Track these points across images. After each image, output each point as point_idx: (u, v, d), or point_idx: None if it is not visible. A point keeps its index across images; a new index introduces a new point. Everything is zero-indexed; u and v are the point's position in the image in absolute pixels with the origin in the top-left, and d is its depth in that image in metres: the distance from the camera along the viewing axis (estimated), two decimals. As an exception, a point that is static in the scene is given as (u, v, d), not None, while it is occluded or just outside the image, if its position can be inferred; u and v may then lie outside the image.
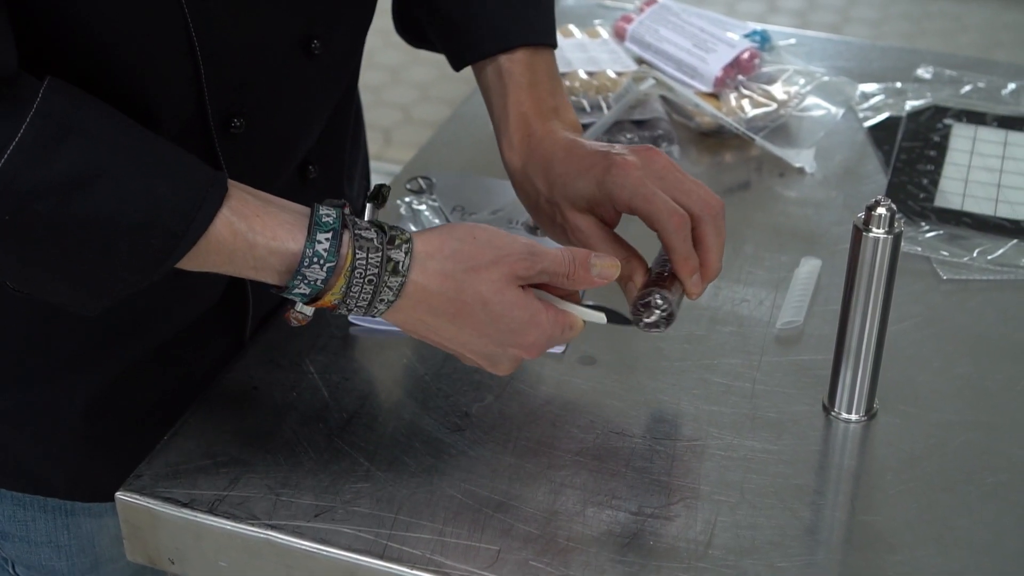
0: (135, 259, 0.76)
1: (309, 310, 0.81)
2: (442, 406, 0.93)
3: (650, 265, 0.90)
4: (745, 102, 1.27)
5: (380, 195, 0.97)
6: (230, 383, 0.94)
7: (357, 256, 0.79)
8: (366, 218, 0.88)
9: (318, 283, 0.78)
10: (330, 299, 0.79)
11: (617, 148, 0.91)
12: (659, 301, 0.87)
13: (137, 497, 0.85)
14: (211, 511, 0.84)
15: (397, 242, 0.80)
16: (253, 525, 0.83)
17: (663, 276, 0.89)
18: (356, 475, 0.87)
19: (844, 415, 0.93)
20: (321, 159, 1.02)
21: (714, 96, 1.29)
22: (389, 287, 0.80)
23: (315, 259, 0.78)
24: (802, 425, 0.92)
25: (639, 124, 1.24)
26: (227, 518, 0.84)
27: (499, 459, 0.88)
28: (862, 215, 0.88)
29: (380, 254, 0.79)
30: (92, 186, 0.74)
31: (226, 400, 0.93)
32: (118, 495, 0.86)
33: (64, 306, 0.80)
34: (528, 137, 0.96)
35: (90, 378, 0.94)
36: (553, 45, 1.01)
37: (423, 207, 1.13)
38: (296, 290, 0.79)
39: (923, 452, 0.90)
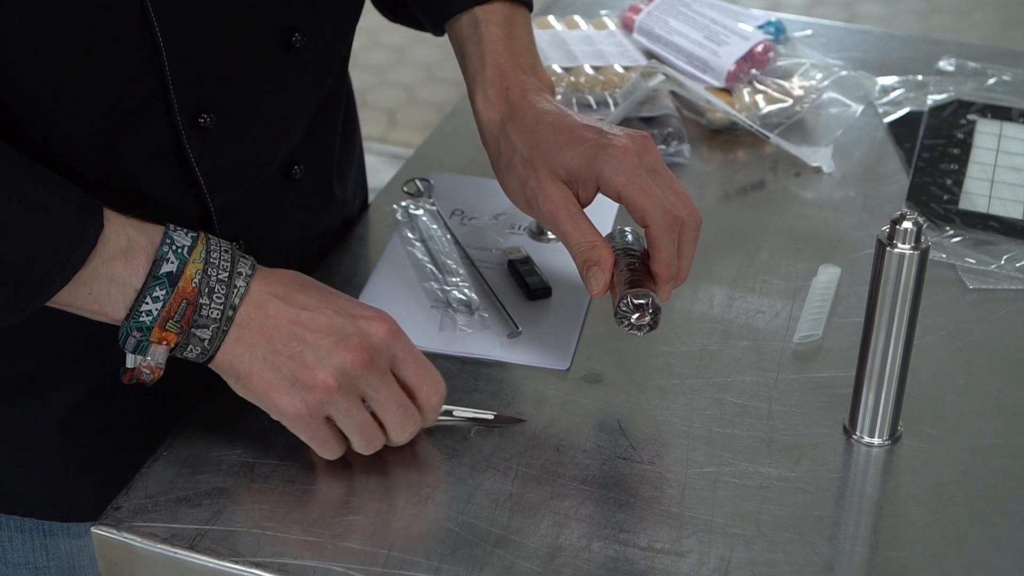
0: (10, 293, 0.75)
1: (159, 355, 0.78)
2: (439, 429, 0.87)
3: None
4: (759, 98, 1.21)
5: None
6: (215, 405, 0.89)
7: (209, 237, 0.80)
8: None
9: (184, 251, 0.78)
10: (192, 270, 0.77)
11: (607, 127, 0.88)
12: (657, 303, 0.85)
13: (114, 532, 0.80)
14: (192, 547, 0.79)
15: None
16: (237, 563, 0.78)
17: (637, 274, 0.86)
18: (347, 506, 0.82)
19: (866, 439, 0.87)
20: (308, 159, 0.97)
21: (726, 91, 1.23)
22: (244, 261, 0.80)
23: (179, 228, 0.80)
24: (821, 450, 0.87)
25: (648, 121, 1.19)
26: (209, 555, 0.78)
27: (499, 488, 0.83)
28: (887, 229, 0.82)
29: (230, 244, 0.81)
30: None
31: (210, 424, 0.88)
32: (94, 529, 0.80)
33: None
34: (506, 91, 0.92)
35: (64, 392, 0.89)
36: (530, 7, 0.99)
37: (420, 211, 1.07)
38: (164, 262, 0.77)
39: (951, 479, 0.85)
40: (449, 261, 1.02)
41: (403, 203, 1.09)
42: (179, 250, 0.78)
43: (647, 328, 0.85)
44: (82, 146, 0.81)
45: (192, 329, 0.78)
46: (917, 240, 0.81)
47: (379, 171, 2.73)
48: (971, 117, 1.24)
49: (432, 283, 1.00)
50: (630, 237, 0.90)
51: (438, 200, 1.10)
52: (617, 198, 0.85)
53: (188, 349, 0.79)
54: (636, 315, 0.85)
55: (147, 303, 0.77)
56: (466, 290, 0.99)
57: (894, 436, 0.88)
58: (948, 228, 1.08)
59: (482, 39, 0.95)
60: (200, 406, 0.89)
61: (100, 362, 0.88)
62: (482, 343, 0.94)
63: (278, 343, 0.78)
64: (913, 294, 0.83)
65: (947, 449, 0.87)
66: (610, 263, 0.86)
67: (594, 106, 1.21)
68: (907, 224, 0.81)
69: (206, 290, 0.78)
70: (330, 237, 1.06)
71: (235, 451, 0.86)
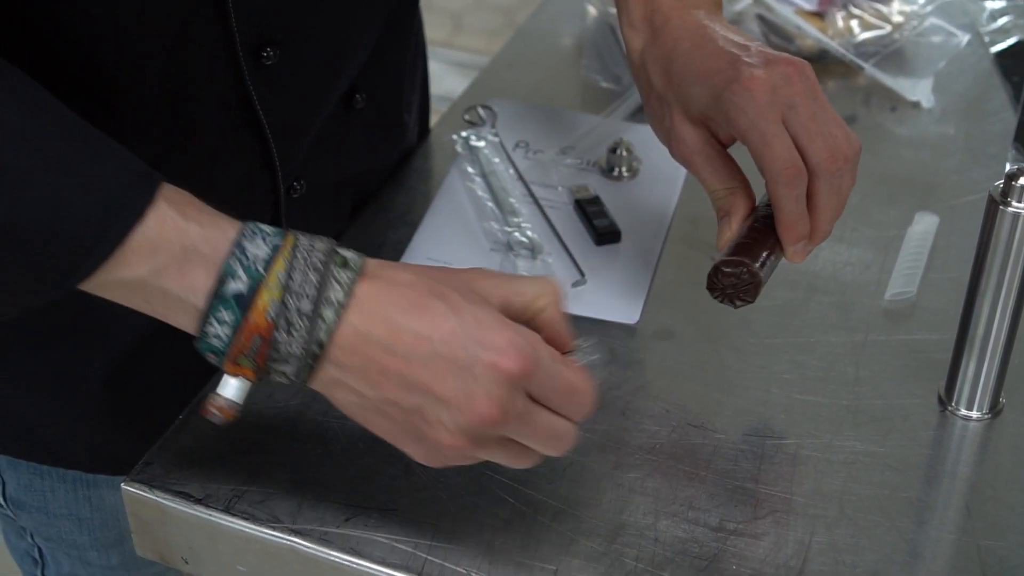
0: (36, 271, 0.62)
1: (234, 389, 0.64)
2: (495, 387, 0.81)
3: (758, 201, 0.77)
4: (854, 23, 1.12)
5: None
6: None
7: (300, 240, 0.63)
8: None
9: (258, 267, 0.62)
10: (266, 298, 0.61)
11: (752, 53, 0.75)
12: (756, 275, 0.74)
13: (145, 490, 0.75)
14: (227, 510, 0.73)
15: (344, 247, 0.65)
16: (275, 529, 0.73)
17: (759, 234, 0.75)
18: (394, 470, 0.76)
19: (963, 411, 0.80)
20: (370, 86, 0.90)
21: (818, 16, 1.14)
22: (338, 281, 0.63)
23: (258, 233, 0.63)
24: (913, 422, 0.79)
25: (731, 47, 1.09)
26: (245, 519, 0.73)
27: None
28: (999, 184, 0.74)
29: (327, 244, 0.64)
30: None
31: (251, 373, 0.82)
32: (123, 486, 0.75)
33: None
34: (651, 13, 0.80)
35: (112, 341, 0.83)
36: None
37: (482, 143, 1.00)
38: (232, 280, 0.62)
39: (1056, 459, 0.77)
40: (511, 199, 0.94)
41: (463, 133, 1.01)
42: (251, 266, 0.62)
43: (739, 302, 0.75)
44: (142, 89, 0.74)
45: (270, 363, 0.63)
46: (1035, 198, 0.73)
47: (442, 79, 2.63)
48: (1087, 48, 1.13)
49: (492, 223, 0.93)
50: None
51: (501, 130, 1.02)
52: (743, 142, 0.75)
53: (271, 378, 0.65)
54: (727, 287, 0.74)
55: (213, 325, 0.62)
56: (528, 232, 0.91)
57: (995, 409, 0.80)
58: (1059, 174, 0.99)
59: None
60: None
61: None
62: (544, 291, 0.87)
63: (391, 393, 0.63)
64: (1027, 257, 0.74)
65: (1053, 425, 0.79)
66: (741, 214, 0.76)
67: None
68: (1024, 180, 0.73)
69: (284, 325, 0.62)
70: (389, 169, 0.99)
71: (277, 403, 0.80)
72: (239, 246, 0.62)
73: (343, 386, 0.65)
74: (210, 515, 0.74)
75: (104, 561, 0.93)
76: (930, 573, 0.71)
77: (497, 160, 0.98)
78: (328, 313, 0.62)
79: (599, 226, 0.92)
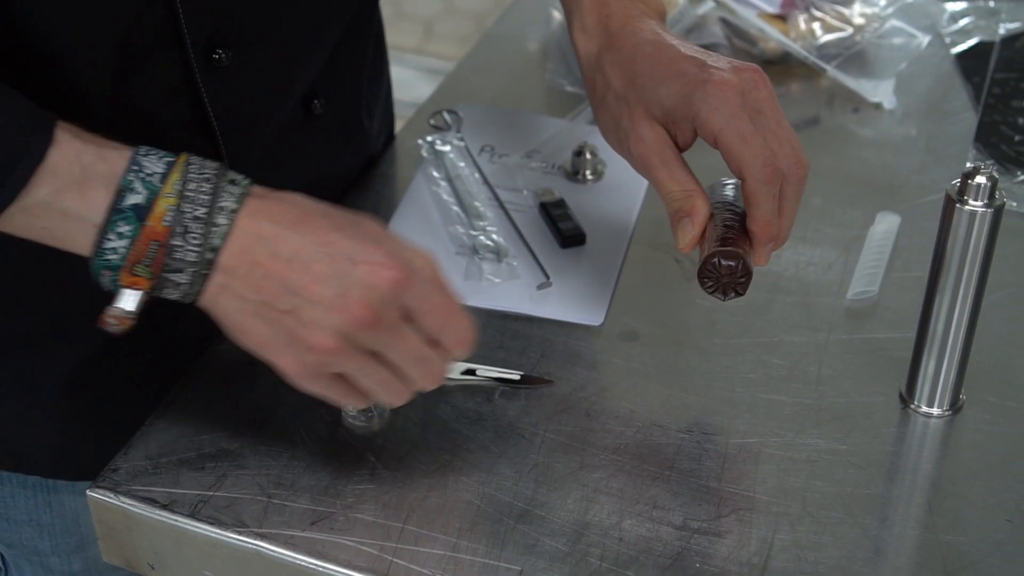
0: None
1: (129, 301, 0.67)
2: (461, 390, 0.81)
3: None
4: (816, 26, 1.12)
5: None
6: (222, 357, 0.83)
7: (192, 157, 0.68)
8: None
9: (154, 181, 0.66)
10: (163, 205, 0.66)
11: (716, 59, 0.77)
12: (748, 267, 0.75)
13: (111, 496, 0.75)
14: (194, 515, 0.74)
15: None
16: (241, 533, 0.73)
17: (732, 232, 0.76)
18: (360, 473, 0.76)
19: (924, 408, 0.81)
20: (329, 92, 0.90)
21: (781, 18, 1.14)
22: (229, 192, 0.68)
23: (152, 152, 0.68)
24: (875, 419, 0.80)
25: (695, 50, 1.10)
26: (212, 524, 0.73)
27: (524, 456, 0.77)
28: (956, 183, 0.74)
29: (216, 163, 0.69)
30: None
31: (217, 378, 0.82)
32: (90, 492, 0.75)
33: None
34: (606, 19, 0.82)
35: (72, 346, 0.83)
36: None
37: (447, 147, 1.00)
38: (130, 193, 0.66)
39: (1017, 454, 0.78)
40: (476, 203, 0.95)
41: (429, 138, 1.01)
42: (148, 179, 0.66)
43: (733, 294, 0.76)
44: (92, 86, 0.75)
45: (165, 274, 0.67)
46: (991, 197, 0.74)
47: (413, 86, 2.63)
48: (1046, 49, 1.15)
49: (458, 227, 0.93)
50: (732, 192, 0.79)
51: (467, 135, 1.02)
52: (714, 143, 0.75)
53: (165, 292, 0.68)
54: (723, 277, 0.75)
55: (111, 239, 0.66)
56: (494, 235, 0.92)
57: (955, 406, 0.81)
58: (1020, 173, 1.00)
59: None
60: (207, 358, 0.83)
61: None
62: (510, 294, 0.88)
63: (270, 295, 0.67)
64: (984, 255, 0.75)
65: (1014, 420, 0.80)
66: (704, 216, 0.76)
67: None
68: (980, 179, 0.73)
69: (180, 230, 0.66)
70: (352, 176, 0.99)
71: (243, 407, 0.80)
72: (136, 163, 0.67)
73: (228, 291, 0.68)
74: (176, 520, 0.74)
75: (66, 567, 0.93)
76: (893, 569, 0.72)
77: (463, 164, 0.98)
78: (221, 219, 0.67)
79: (564, 229, 0.92)
